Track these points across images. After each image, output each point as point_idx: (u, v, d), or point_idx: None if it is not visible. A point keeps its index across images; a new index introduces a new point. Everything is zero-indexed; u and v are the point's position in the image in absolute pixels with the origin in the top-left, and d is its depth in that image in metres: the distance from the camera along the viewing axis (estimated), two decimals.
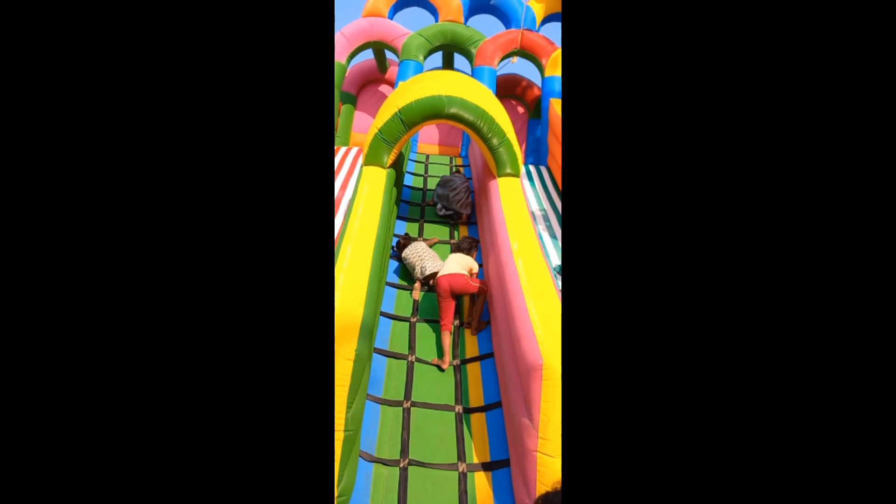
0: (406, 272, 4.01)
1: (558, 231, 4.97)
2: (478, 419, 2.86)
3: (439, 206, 4.89)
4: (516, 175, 4.11)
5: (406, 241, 3.99)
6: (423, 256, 3.79)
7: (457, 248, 3.78)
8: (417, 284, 3.79)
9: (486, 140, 3.98)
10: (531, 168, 6.26)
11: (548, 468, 2.15)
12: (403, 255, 3.93)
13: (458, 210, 4.74)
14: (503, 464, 2.54)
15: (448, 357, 3.23)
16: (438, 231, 4.70)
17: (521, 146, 7.70)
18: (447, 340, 3.27)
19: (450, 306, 3.33)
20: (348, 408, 2.36)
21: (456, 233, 4.70)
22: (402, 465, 2.53)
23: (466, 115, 3.89)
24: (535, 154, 7.15)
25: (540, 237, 4.73)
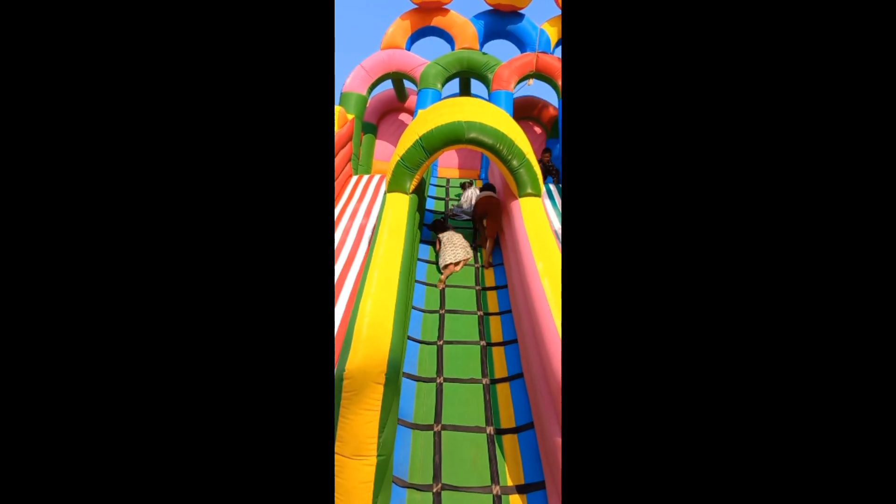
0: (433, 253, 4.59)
1: None
2: (510, 440, 2.83)
3: (459, 213, 5.43)
4: (538, 195, 4.15)
5: (444, 223, 4.72)
6: (455, 244, 4.46)
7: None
8: (443, 276, 4.25)
9: (506, 162, 4.05)
10: (551, 187, 6.28)
11: None
12: (440, 236, 4.52)
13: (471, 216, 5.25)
14: (538, 486, 2.49)
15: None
16: None
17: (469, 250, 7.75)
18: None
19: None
20: (380, 433, 2.37)
21: (479, 255, 4.73)
22: (435, 490, 2.52)
23: (486, 139, 3.97)
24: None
25: None
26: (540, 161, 6.38)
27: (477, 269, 4.51)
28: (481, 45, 7.41)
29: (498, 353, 3.51)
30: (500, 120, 4.11)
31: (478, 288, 4.23)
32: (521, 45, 7.41)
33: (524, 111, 7.70)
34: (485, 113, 4.10)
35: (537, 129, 7.88)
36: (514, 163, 4.04)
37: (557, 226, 5.37)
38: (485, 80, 6.90)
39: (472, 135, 3.99)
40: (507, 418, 2.97)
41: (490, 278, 4.38)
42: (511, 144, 3.99)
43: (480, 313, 3.91)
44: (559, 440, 2.26)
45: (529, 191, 4.14)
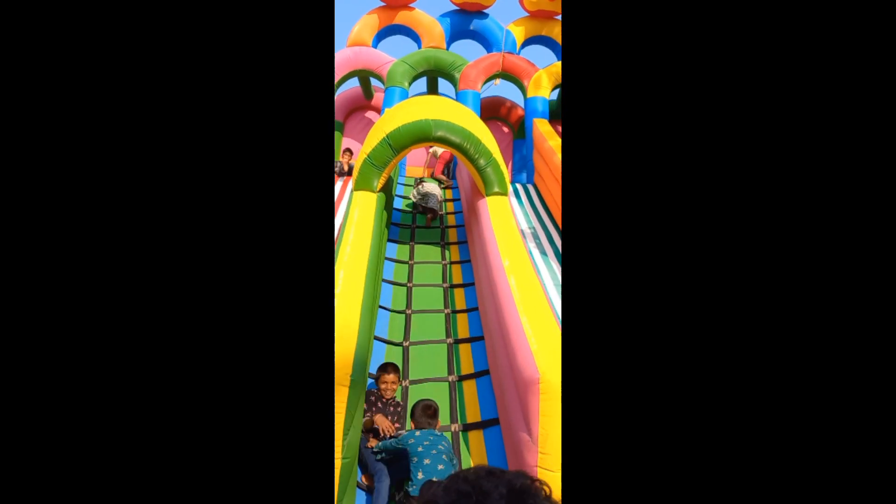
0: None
1: (548, 248, 5.04)
2: (475, 437, 2.85)
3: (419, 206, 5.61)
4: (504, 193, 4.19)
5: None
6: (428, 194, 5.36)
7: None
8: None
9: (473, 161, 4.07)
10: (518, 186, 6.36)
11: (552, 483, 2.14)
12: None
13: (433, 208, 5.42)
14: None
15: None
16: (431, 252, 4.74)
17: (507, 165, 7.84)
18: None
19: None
20: (345, 435, 2.34)
21: (447, 253, 4.74)
22: (398, 498, 2.50)
23: (453, 138, 3.98)
24: (522, 173, 7.28)
25: (530, 254, 4.78)
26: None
27: (444, 266, 4.51)
28: (448, 45, 7.42)
29: (465, 350, 3.52)
30: (468, 119, 4.13)
31: (445, 286, 4.24)
32: (487, 45, 7.47)
33: (491, 111, 7.77)
34: (452, 112, 4.11)
35: (505, 129, 7.96)
36: (481, 162, 4.07)
37: (524, 225, 5.45)
38: (452, 80, 6.91)
39: (440, 133, 3.99)
40: (473, 414, 2.99)
41: (458, 275, 4.39)
42: (478, 143, 4.01)
43: (448, 311, 3.91)
44: (524, 435, 2.29)
45: (496, 189, 4.17)
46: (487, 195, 4.16)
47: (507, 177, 4.24)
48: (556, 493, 1.96)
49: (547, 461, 2.17)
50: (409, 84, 6.84)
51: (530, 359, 2.35)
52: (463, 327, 3.76)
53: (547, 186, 5.79)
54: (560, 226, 5.22)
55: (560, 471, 2.15)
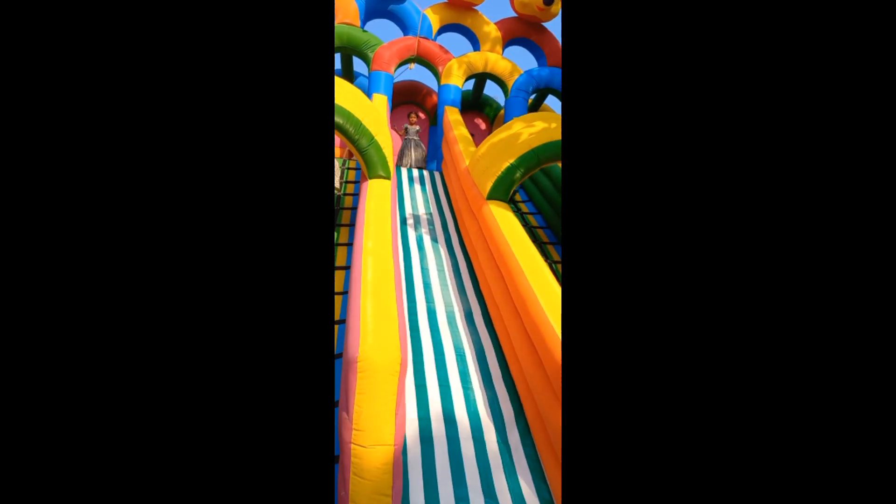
0: None
1: (440, 235, 5.11)
2: None
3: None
4: (387, 177, 4.19)
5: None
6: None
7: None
8: None
9: (354, 142, 4.03)
10: (425, 173, 6.39)
11: (362, 459, 2.19)
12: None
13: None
14: (335, 460, 2.55)
15: None
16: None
17: (424, 150, 7.84)
18: None
19: None
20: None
21: (335, 235, 4.68)
22: None
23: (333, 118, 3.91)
24: (435, 160, 7.32)
25: (418, 239, 4.82)
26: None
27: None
28: (363, 23, 7.25)
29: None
30: (350, 99, 4.07)
31: None
32: (404, 27, 7.38)
33: (409, 95, 7.72)
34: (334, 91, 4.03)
35: (422, 115, 7.95)
36: (363, 142, 4.03)
37: (422, 210, 5.48)
38: (366, 59, 6.78)
39: None
40: None
41: (342, 258, 4.35)
42: (358, 124, 3.97)
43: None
44: (344, 413, 2.32)
45: (380, 173, 4.16)
46: (370, 178, 4.14)
47: (391, 159, 4.23)
48: (367, 464, 1.97)
49: (360, 437, 2.22)
50: None
51: (356, 340, 2.38)
52: (335, 309, 3.74)
53: (449, 175, 5.86)
54: (456, 214, 5.31)
55: (373, 447, 2.21)
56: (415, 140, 6.65)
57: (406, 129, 6.70)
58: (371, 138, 4.03)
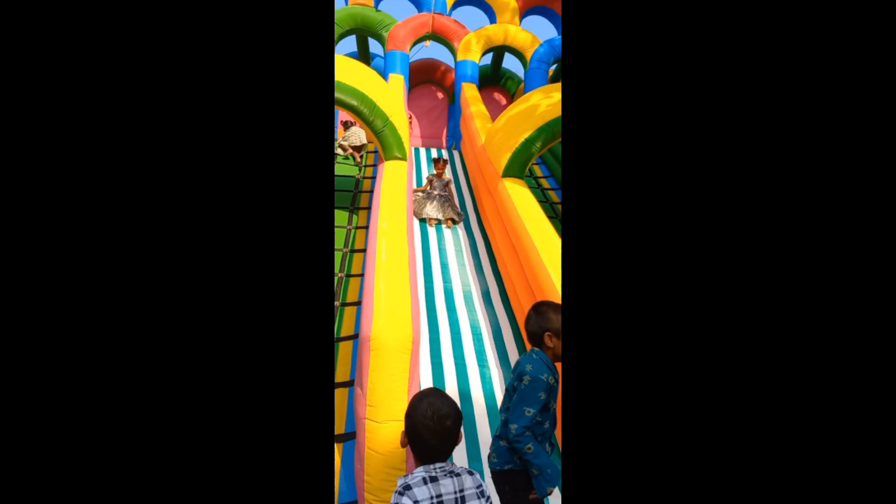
0: None
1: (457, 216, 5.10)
2: (341, 393, 2.95)
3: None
4: (403, 158, 4.18)
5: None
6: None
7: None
8: None
9: (369, 124, 4.03)
10: (443, 153, 6.35)
11: (375, 434, 2.26)
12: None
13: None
14: (352, 436, 2.64)
15: None
16: (339, 216, 4.71)
17: (443, 131, 7.77)
18: None
19: None
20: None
21: (356, 217, 4.73)
22: None
23: (346, 100, 3.91)
24: (454, 139, 7.24)
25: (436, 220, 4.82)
26: None
27: (349, 230, 4.52)
28: (376, 3, 7.16)
29: (349, 313, 3.60)
30: (365, 80, 4.05)
31: (346, 250, 4.26)
32: (418, 4, 7.25)
33: (426, 74, 7.62)
34: (348, 72, 4.02)
35: (440, 94, 7.84)
36: (378, 124, 4.03)
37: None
38: (380, 39, 6.71)
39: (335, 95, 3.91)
40: (343, 374, 3.09)
41: (360, 240, 4.42)
42: (373, 106, 3.96)
43: (342, 275, 3.96)
44: (359, 389, 2.39)
45: (396, 154, 4.16)
46: (386, 160, 4.15)
47: (407, 140, 4.22)
48: (380, 439, 2.02)
49: (374, 413, 2.28)
50: (336, 42, 6.62)
51: (370, 320, 2.43)
52: (354, 291, 3.82)
53: (467, 153, 5.80)
54: (474, 193, 5.28)
55: (385, 422, 2.27)
56: (443, 195, 4.74)
57: (431, 181, 4.85)
58: (386, 119, 4.02)
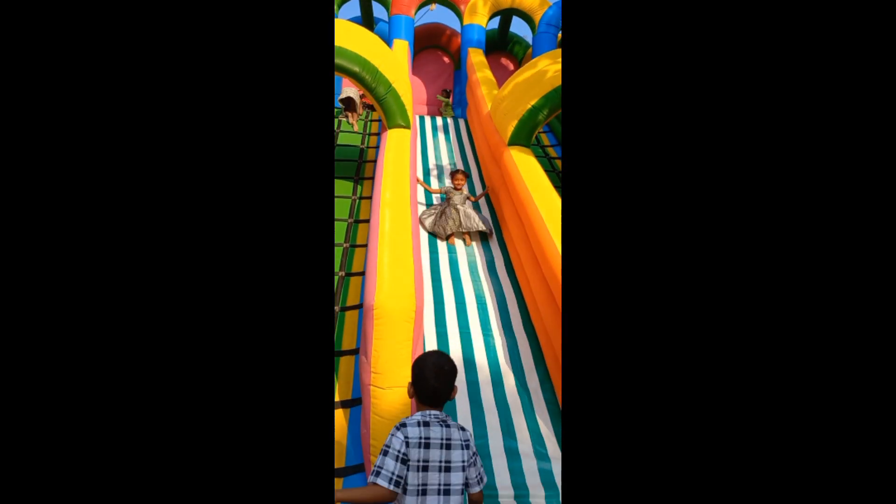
0: None
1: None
2: (347, 361, 3.01)
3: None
4: (407, 126, 4.11)
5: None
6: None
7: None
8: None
9: (371, 91, 3.94)
10: (449, 121, 6.23)
11: (381, 400, 2.31)
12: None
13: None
14: (358, 402, 2.70)
15: None
16: (343, 186, 4.68)
17: (449, 98, 7.60)
18: None
19: None
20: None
21: (360, 188, 4.70)
22: None
23: (347, 65, 3.82)
24: (460, 106, 7.09)
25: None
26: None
27: (353, 200, 4.50)
28: None
29: (355, 283, 3.62)
30: (367, 45, 3.94)
31: (350, 221, 4.25)
32: None
33: (430, 39, 7.40)
34: (349, 37, 3.91)
35: (446, 59, 7.64)
36: (380, 90, 3.95)
37: (445, 161, 5.39)
38: (384, 3, 6.50)
39: (335, 61, 3.81)
40: (349, 342, 3.13)
41: (365, 211, 4.40)
42: (375, 72, 3.86)
43: (347, 245, 3.96)
44: (363, 357, 2.42)
45: (399, 122, 4.09)
46: (389, 128, 4.08)
47: (410, 108, 4.13)
48: (385, 405, 2.07)
49: (378, 380, 2.32)
50: (339, 7, 6.42)
51: (373, 289, 2.44)
52: (359, 261, 3.83)
53: (473, 121, 5.68)
54: (480, 162, 5.20)
55: (390, 388, 2.32)
56: (461, 210, 3.91)
57: (449, 192, 4.03)
58: (388, 86, 3.93)
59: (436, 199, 4.39)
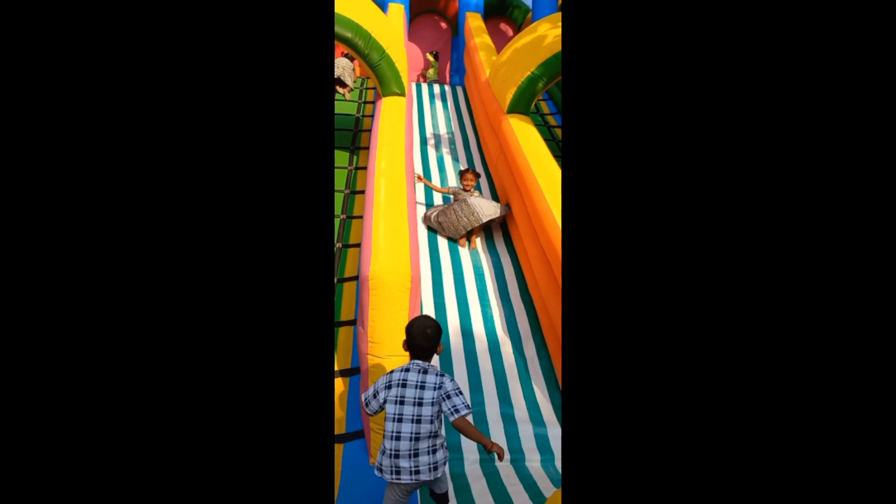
0: None
1: (461, 154, 4.96)
2: (346, 332, 3.03)
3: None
4: (402, 94, 4.01)
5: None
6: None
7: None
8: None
9: (365, 57, 3.83)
10: (447, 88, 6.08)
11: (378, 369, 2.33)
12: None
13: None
14: (357, 371, 2.74)
15: None
16: (340, 157, 4.61)
17: (446, 64, 7.41)
18: None
19: None
20: None
21: (356, 158, 4.63)
22: None
23: (339, 31, 3.69)
24: (458, 74, 6.92)
25: (438, 160, 4.71)
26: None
27: (350, 171, 4.44)
28: None
29: (353, 254, 3.61)
30: (359, 9, 3.80)
31: (346, 191, 4.21)
32: None
33: (427, 4, 7.16)
34: (340, 0, 3.77)
35: (443, 25, 7.40)
36: (374, 57, 3.83)
37: (443, 130, 5.29)
38: None
39: None
40: (348, 313, 3.15)
41: (362, 182, 4.35)
42: (368, 38, 3.74)
43: (343, 217, 3.94)
44: (361, 327, 2.44)
45: (394, 89, 3.99)
46: (384, 95, 3.98)
47: (405, 75, 4.03)
48: (381, 372, 2.12)
49: (376, 349, 2.34)
50: None
51: (368, 260, 2.44)
52: (357, 232, 3.81)
53: (471, 88, 5.55)
54: (478, 131, 5.11)
55: (387, 357, 2.34)
56: (470, 201, 3.56)
57: (456, 193, 3.72)
58: (382, 52, 3.81)
59: (437, 198, 4.12)
